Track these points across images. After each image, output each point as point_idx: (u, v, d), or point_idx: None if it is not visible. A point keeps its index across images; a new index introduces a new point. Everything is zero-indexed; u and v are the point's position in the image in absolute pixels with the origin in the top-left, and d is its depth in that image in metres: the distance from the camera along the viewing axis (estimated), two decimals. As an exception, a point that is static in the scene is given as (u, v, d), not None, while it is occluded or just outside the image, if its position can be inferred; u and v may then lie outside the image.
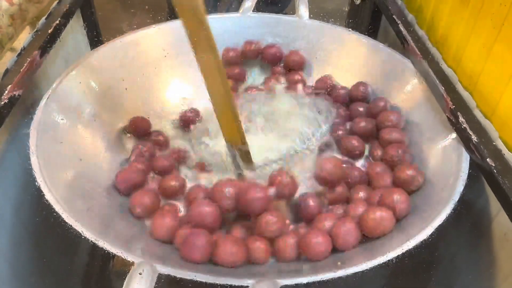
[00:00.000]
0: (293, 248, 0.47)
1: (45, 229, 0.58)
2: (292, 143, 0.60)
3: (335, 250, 0.47)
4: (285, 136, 0.61)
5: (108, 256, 0.41)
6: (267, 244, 0.47)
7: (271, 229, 0.47)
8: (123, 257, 0.40)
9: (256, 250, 0.46)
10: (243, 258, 0.45)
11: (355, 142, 0.62)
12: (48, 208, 0.44)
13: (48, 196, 0.45)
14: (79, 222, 0.42)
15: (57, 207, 0.43)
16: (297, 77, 0.74)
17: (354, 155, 0.62)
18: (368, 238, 0.48)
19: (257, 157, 0.57)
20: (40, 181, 0.46)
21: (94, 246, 0.41)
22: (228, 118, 0.52)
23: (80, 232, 0.41)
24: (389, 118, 0.62)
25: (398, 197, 0.49)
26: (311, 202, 0.51)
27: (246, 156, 0.56)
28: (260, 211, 0.48)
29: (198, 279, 0.38)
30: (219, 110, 0.52)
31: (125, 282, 0.37)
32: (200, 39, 0.48)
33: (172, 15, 0.92)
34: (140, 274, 0.36)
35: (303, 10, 0.77)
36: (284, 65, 0.76)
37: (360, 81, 0.70)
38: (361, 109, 0.68)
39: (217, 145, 0.60)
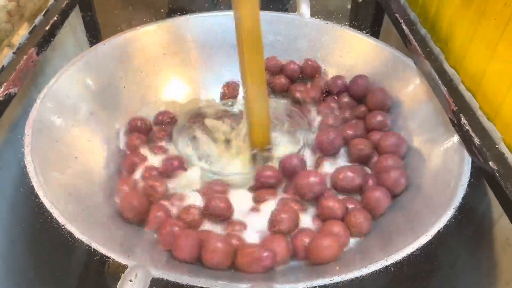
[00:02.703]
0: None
1: (41, 228, 0.57)
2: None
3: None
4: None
5: (105, 256, 0.41)
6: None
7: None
8: (116, 260, 0.39)
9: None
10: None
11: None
12: (43, 207, 0.44)
13: (42, 196, 0.44)
14: (73, 223, 0.42)
15: (51, 208, 0.43)
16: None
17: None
18: (366, 243, 0.47)
19: None
20: (34, 181, 0.45)
21: (90, 246, 0.41)
22: (262, 115, 0.54)
23: (73, 233, 0.41)
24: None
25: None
26: None
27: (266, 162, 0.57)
28: None
29: (192, 283, 0.38)
30: (254, 106, 0.54)
31: (118, 285, 0.36)
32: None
33: (171, 13, 0.91)
34: (131, 281, 0.35)
35: (305, 8, 0.76)
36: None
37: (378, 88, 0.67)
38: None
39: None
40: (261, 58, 0.53)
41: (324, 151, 0.59)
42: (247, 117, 0.57)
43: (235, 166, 0.59)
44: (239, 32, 0.50)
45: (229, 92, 0.74)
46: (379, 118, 0.62)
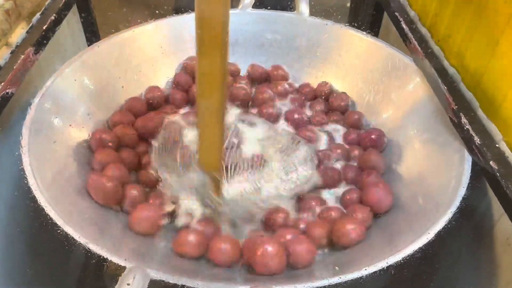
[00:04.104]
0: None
1: (39, 229, 0.57)
2: (272, 184, 0.54)
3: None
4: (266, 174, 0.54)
5: (103, 257, 0.40)
6: None
7: None
8: (114, 261, 0.39)
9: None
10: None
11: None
12: (41, 208, 0.43)
13: (39, 197, 0.44)
14: (70, 224, 0.41)
15: (48, 209, 0.43)
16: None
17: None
18: (367, 243, 0.47)
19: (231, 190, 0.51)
20: (32, 182, 0.45)
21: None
22: (214, 136, 0.44)
23: (71, 234, 0.40)
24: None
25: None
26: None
27: (216, 187, 0.49)
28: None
29: (190, 285, 0.37)
30: (206, 122, 0.44)
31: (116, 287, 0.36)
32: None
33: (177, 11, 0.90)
34: (128, 284, 0.35)
35: (304, 7, 0.76)
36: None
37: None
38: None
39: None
40: (220, 60, 0.40)
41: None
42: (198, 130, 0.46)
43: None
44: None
45: None
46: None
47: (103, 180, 0.50)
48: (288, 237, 0.47)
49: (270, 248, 0.43)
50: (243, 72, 0.77)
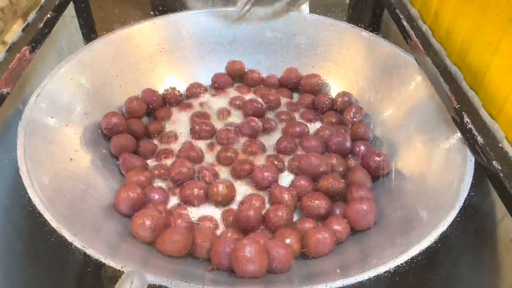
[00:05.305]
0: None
1: (36, 231, 0.56)
2: None
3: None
4: None
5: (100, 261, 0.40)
6: None
7: None
8: (111, 265, 0.38)
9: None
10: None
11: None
12: (37, 210, 0.43)
13: (35, 199, 0.43)
14: (67, 227, 0.41)
15: (44, 212, 0.42)
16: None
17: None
18: (368, 246, 0.46)
19: None
20: (27, 183, 0.44)
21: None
22: None
23: (67, 238, 0.40)
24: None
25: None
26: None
27: None
28: None
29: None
30: None
31: (114, 292, 0.36)
32: None
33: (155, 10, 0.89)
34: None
35: (303, 4, 0.75)
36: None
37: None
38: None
39: None
40: None
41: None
42: None
43: None
44: None
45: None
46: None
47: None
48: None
49: (252, 250, 0.42)
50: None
